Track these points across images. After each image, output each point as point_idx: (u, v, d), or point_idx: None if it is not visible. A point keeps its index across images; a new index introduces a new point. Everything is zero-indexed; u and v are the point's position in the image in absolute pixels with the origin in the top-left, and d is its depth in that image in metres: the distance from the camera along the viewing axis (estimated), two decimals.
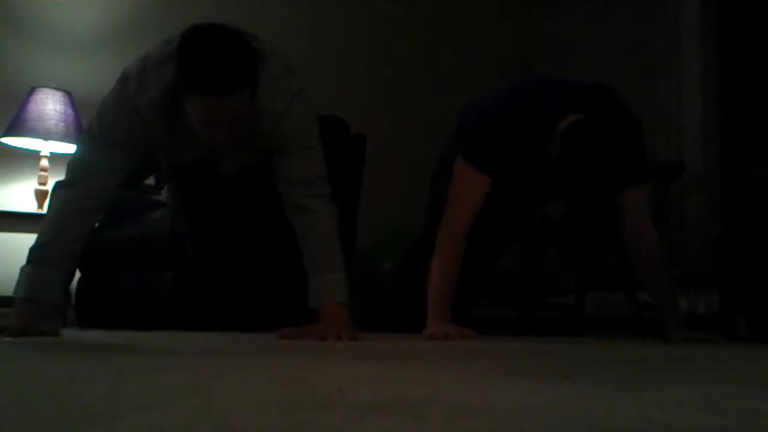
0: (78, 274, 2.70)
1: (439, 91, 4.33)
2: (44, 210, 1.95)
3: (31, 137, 3.09)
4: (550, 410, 0.53)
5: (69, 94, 3.19)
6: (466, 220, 1.98)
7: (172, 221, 2.41)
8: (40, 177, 3.14)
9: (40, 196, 3.09)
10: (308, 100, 1.85)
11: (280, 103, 1.77)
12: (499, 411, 0.52)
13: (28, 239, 1.74)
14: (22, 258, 1.74)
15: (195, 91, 1.59)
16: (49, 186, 2.94)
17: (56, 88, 3.16)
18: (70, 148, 3.06)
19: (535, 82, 2.13)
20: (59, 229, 1.72)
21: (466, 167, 2.01)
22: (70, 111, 3.16)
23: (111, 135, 1.77)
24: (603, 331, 2.84)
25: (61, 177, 1.82)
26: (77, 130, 3.15)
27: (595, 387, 0.71)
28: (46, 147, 3.15)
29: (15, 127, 3.10)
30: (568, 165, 1.85)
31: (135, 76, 1.73)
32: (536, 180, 2.11)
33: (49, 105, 3.11)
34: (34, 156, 3.22)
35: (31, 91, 3.15)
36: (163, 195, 2.81)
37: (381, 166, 3.44)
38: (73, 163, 1.81)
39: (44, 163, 3.14)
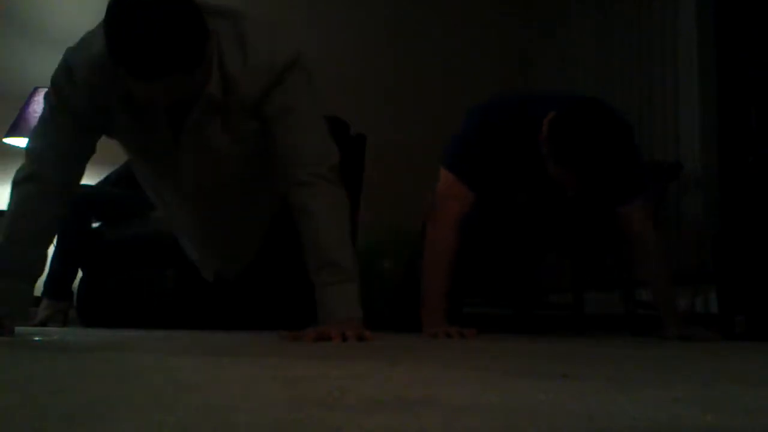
0: (80, 273, 2.70)
1: (439, 91, 4.33)
2: None
3: None
4: (548, 409, 0.54)
5: None
6: (454, 217, 1.96)
7: None
8: None
9: None
10: (305, 77, 1.68)
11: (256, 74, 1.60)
12: (497, 410, 0.53)
13: None
14: None
15: (118, 66, 1.41)
16: None
17: None
18: None
19: (523, 93, 2.15)
20: (26, 235, 1.59)
21: (448, 179, 2.01)
22: None
23: (66, 107, 1.63)
24: (600, 329, 2.84)
25: None
26: None
27: (593, 385, 0.71)
28: None
29: (17, 127, 3.11)
30: (559, 160, 1.82)
31: (83, 37, 1.63)
32: (532, 186, 2.09)
33: None
34: None
35: (34, 91, 3.16)
36: None
37: (381, 166, 3.44)
38: (32, 152, 1.66)
39: None
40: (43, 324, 2.59)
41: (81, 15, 3.57)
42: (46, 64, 3.57)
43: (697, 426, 0.47)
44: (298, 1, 4.14)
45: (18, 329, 1.67)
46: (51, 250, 2.53)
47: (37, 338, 1.55)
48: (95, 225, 2.76)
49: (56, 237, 2.68)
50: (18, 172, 1.66)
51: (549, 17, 4.53)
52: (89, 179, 2.89)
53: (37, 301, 2.62)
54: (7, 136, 3.14)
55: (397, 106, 4.19)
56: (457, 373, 0.86)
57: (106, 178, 2.92)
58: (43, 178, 1.63)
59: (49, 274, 2.61)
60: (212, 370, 0.84)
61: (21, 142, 3.16)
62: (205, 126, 1.68)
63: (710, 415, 0.52)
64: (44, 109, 1.70)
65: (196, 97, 1.59)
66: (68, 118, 1.65)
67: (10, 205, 1.63)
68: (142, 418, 0.46)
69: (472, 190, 1.99)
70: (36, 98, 3.13)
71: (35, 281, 1.65)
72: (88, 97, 1.61)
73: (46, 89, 3.09)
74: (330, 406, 0.52)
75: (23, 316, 1.70)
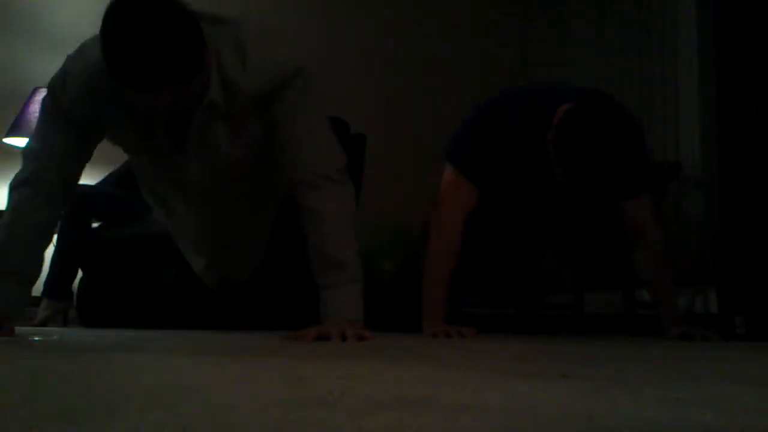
0: (80, 273, 2.70)
1: (439, 91, 4.33)
2: None
3: None
4: (548, 409, 0.54)
5: None
6: (458, 217, 1.96)
7: None
8: None
9: None
10: (310, 84, 1.67)
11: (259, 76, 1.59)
12: (497, 410, 0.52)
13: None
14: None
15: (115, 78, 1.40)
16: None
17: None
18: None
19: (530, 86, 2.12)
20: (23, 238, 1.61)
21: (452, 173, 2.00)
22: None
23: (61, 111, 1.63)
24: (601, 329, 2.84)
25: None
26: None
27: (593, 385, 0.71)
28: None
29: (17, 127, 3.11)
30: (568, 168, 1.80)
31: (83, 43, 1.63)
32: (538, 182, 2.07)
33: None
34: None
35: (33, 91, 3.16)
36: None
37: (381, 166, 3.44)
38: (28, 154, 1.66)
39: None
40: (43, 324, 2.59)
41: (81, 15, 3.58)
42: (46, 64, 3.59)
43: (697, 426, 0.47)
44: (299, 2, 4.14)
45: (18, 329, 1.67)
46: (50, 250, 2.55)
47: (37, 338, 1.55)
48: (95, 225, 2.76)
49: (56, 237, 2.70)
50: (16, 175, 1.67)
51: (549, 17, 4.53)
52: (89, 179, 2.89)
53: (37, 301, 2.63)
54: (7, 136, 3.15)
55: (397, 106, 4.19)
56: (457, 373, 0.86)
57: (106, 178, 2.92)
58: (39, 180, 1.64)
59: (49, 274, 2.61)
60: (212, 370, 0.84)
61: (21, 142, 3.17)
62: (209, 132, 1.68)
63: (710, 415, 0.52)
64: (41, 111, 1.71)
65: (197, 105, 1.59)
66: (63, 121, 1.65)
67: (7, 208, 1.65)
68: (142, 418, 0.46)
69: (477, 187, 1.99)
70: (36, 98, 3.13)
71: (33, 283, 1.67)
72: (82, 104, 1.62)
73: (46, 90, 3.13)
74: (330, 406, 0.52)
75: (21, 318, 1.71)
